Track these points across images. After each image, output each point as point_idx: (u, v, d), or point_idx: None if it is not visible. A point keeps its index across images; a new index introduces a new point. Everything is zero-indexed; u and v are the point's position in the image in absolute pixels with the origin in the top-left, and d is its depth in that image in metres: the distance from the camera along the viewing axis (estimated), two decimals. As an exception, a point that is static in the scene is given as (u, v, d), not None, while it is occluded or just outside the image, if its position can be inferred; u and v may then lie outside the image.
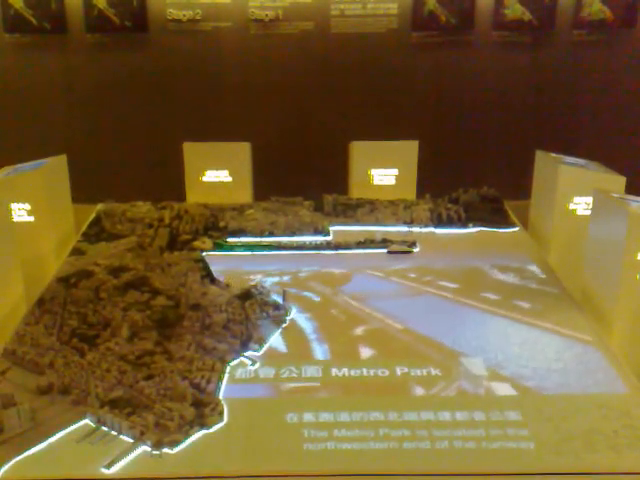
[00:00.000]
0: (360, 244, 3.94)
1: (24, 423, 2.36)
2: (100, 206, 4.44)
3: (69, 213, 4.29)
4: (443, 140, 5.22)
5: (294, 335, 3.02)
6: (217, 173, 4.58)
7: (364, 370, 2.72)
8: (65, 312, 3.12)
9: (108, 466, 2.20)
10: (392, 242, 3.93)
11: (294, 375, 2.70)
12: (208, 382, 2.60)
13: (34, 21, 4.97)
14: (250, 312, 3.12)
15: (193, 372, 2.65)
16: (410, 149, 4.56)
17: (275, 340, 2.96)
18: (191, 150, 4.55)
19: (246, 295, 3.29)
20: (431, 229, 4.16)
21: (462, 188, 4.56)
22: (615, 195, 3.32)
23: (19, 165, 3.99)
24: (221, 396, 2.55)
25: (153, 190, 4.60)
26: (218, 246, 3.94)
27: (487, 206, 4.42)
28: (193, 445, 2.30)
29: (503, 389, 2.62)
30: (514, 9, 5.03)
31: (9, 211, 3.47)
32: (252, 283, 3.42)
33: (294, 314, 3.18)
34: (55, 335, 2.93)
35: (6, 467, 2.19)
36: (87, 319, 3.06)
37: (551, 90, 5.23)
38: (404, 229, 4.14)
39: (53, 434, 2.33)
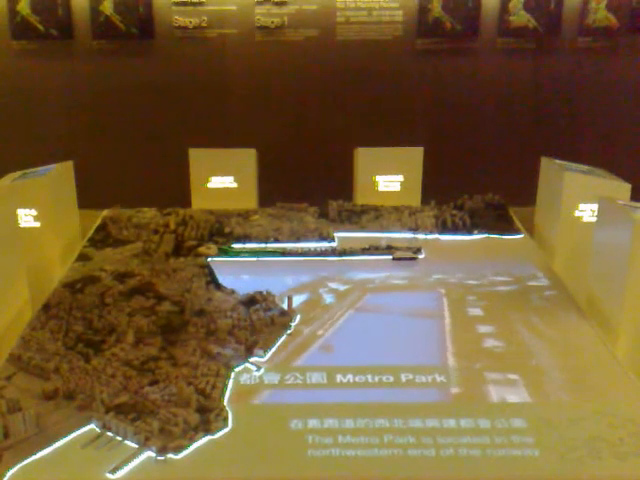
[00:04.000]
0: (365, 250, 3.94)
1: (29, 428, 2.36)
2: (106, 212, 4.45)
3: (75, 219, 4.30)
4: (448, 146, 5.22)
5: (299, 341, 3.02)
6: (222, 179, 4.59)
7: (369, 377, 2.72)
8: (70, 317, 3.13)
9: (113, 471, 2.20)
10: (397, 249, 3.93)
11: (299, 381, 2.70)
12: (213, 388, 2.60)
13: (41, 27, 4.99)
14: (255, 318, 3.12)
15: (198, 378, 2.65)
16: (415, 155, 4.56)
17: (280, 346, 2.96)
18: (196, 156, 4.56)
19: (251, 301, 3.29)
20: (436, 236, 4.15)
21: (467, 195, 4.55)
22: (621, 202, 3.31)
23: (26, 171, 4.00)
24: (226, 402, 2.55)
25: (159, 196, 4.60)
26: (223, 252, 3.94)
27: (492, 213, 4.42)
28: (198, 451, 2.30)
29: (508, 396, 2.62)
30: (519, 16, 5.04)
31: (16, 217, 3.48)
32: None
33: (299, 320, 3.18)
34: (60, 340, 2.94)
35: (11, 472, 2.19)
36: (92, 324, 3.07)
37: (556, 97, 5.23)
38: (409, 236, 4.13)
39: (58, 439, 2.34)
